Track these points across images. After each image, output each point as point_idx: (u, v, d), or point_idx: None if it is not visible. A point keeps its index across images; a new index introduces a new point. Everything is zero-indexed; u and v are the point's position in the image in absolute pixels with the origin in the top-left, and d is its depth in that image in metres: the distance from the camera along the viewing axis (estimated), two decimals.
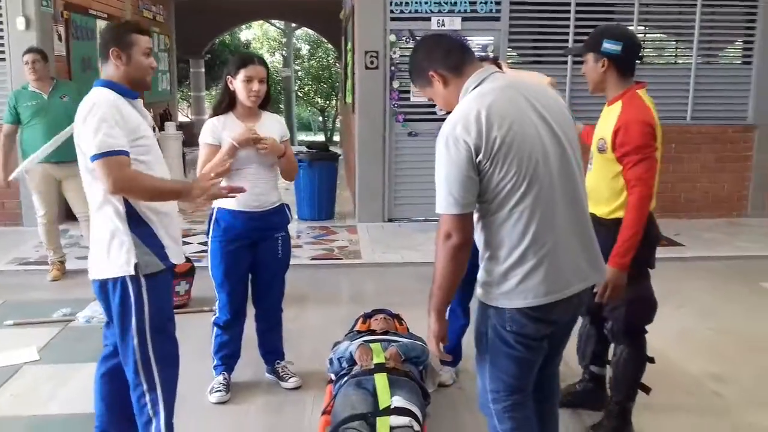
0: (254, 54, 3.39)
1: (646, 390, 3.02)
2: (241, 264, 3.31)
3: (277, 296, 3.51)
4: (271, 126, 3.31)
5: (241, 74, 3.14)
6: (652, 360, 3.01)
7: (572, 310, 2.15)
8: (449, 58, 2.10)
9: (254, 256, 3.33)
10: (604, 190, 2.79)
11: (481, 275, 2.10)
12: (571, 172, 2.06)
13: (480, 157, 1.93)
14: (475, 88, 2.04)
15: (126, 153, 2.32)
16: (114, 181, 2.28)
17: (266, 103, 3.30)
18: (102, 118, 2.29)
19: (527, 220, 1.97)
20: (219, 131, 3.19)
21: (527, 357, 2.10)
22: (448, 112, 2.08)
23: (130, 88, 2.48)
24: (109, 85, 2.44)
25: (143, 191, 2.36)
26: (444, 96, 2.13)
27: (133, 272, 2.35)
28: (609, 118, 2.76)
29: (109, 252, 2.38)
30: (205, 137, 3.20)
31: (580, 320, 3.18)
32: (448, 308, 3.41)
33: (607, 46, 2.71)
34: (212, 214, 3.30)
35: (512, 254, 2.00)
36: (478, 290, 2.13)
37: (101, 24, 8.39)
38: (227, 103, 3.23)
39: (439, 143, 1.98)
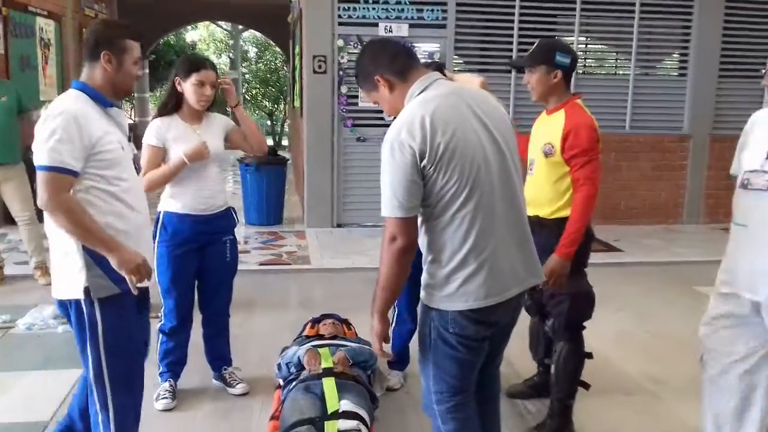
0: (205, 58, 3.35)
1: (586, 386, 3.15)
2: (189, 269, 3.27)
3: (225, 301, 3.48)
4: (217, 127, 3.31)
5: (193, 78, 3.12)
6: (590, 355, 3.13)
7: (511, 313, 2.22)
8: (395, 63, 2.13)
9: (201, 261, 3.30)
10: (548, 191, 2.93)
11: (424, 278, 2.15)
12: (511, 179, 2.12)
13: (424, 162, 1.97)
14: (419, 93, 2.09)
15: (72, 172, 2.19)
16: (48, 198, 2.16)
17: (211, 105, 3.29)
18: (54, 129, 2.16)
19: (468, 225, 2.02)
20: (163, 133, 3.16)
21: (468, 358, 2.16)
22: (394, 118, 2.12)
23: (111, 94, 2.36)
24: (85, 89, 2.32)
25: (69, 223, 2.18)
26: (389, 101, 2.17)
27: (83, 296, 2.24)
28: (553, 125, 2.92)
29: (62, 271, 2.28)
30: (149, 138, 3.16)
31: (528, 318, 3.29)
32: (396, 313, 3.45)
33: (560, 59, 2.89)
34: (158, 218, 3.26)
35: (454, 258, 2.05)
36: (422, 293, 2.17)
37: (41, 21, 8.16)
38: (173, 105, 3.21)
39: (384, 148, 2.02)
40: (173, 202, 3.19)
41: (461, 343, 2.12)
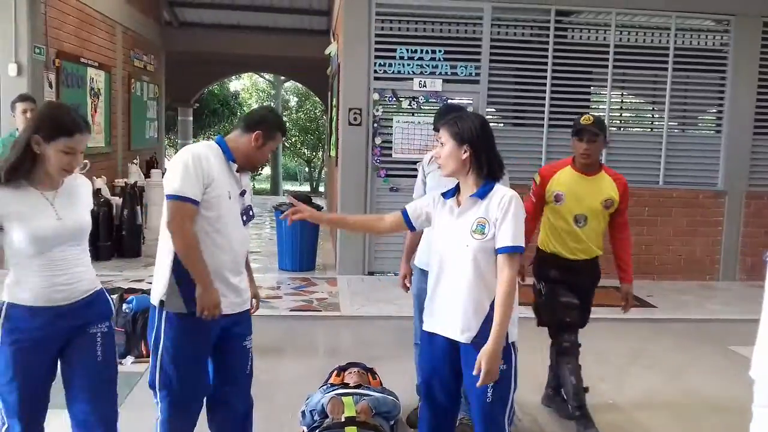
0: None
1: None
2: None
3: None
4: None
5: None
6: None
7: None
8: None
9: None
10: (600, 237, 3.71)
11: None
12: None
13: None
14: None
15: (193, 201, 2.56)
16: (170, 221, 2.56)
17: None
18: (185, 164, 2.57)
19: None
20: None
21: None
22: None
23: (241, 162, 2.74)
24: (221, 143, 2.74)
25: (181, 249, 2.56)
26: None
27: (157, 304, 2.64)
28: (602, 183, 3.63)
29: (155, 279, 2.69)
30: None
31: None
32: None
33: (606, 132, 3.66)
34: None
35: None
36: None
37: (92, 72, 8.58)
38: None
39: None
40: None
41: None
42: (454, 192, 2.61)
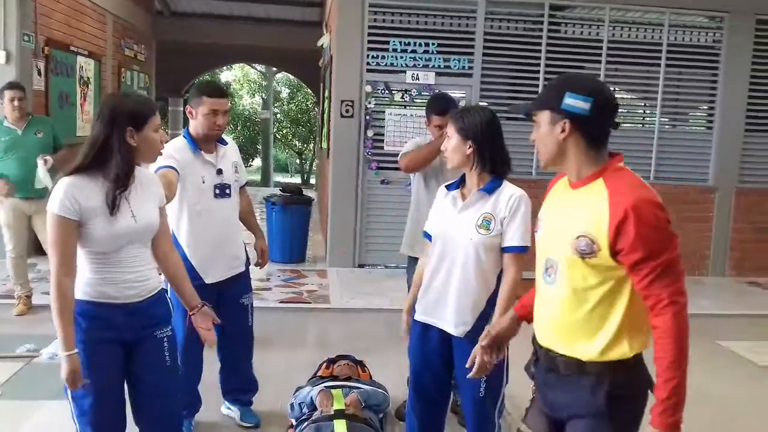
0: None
1: None
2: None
3: None
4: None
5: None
6: None
7: None
8: None
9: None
10: (584, 315, 1.86)
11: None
12: None
13: None
14: None
15: (168, 167, 2.97)
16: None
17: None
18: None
19: None
20: None
21: None
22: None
23: (198, 140, 3.18)
24: (185, 134, 3.23)
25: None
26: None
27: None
28: (586, 203, 1.82)
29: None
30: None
31: None
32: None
33: (571, 101, 1.81)
34: None
35: None
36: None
37: (81, 60, 8.49)
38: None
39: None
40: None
41: None
42: (459, 184, 2.61)
